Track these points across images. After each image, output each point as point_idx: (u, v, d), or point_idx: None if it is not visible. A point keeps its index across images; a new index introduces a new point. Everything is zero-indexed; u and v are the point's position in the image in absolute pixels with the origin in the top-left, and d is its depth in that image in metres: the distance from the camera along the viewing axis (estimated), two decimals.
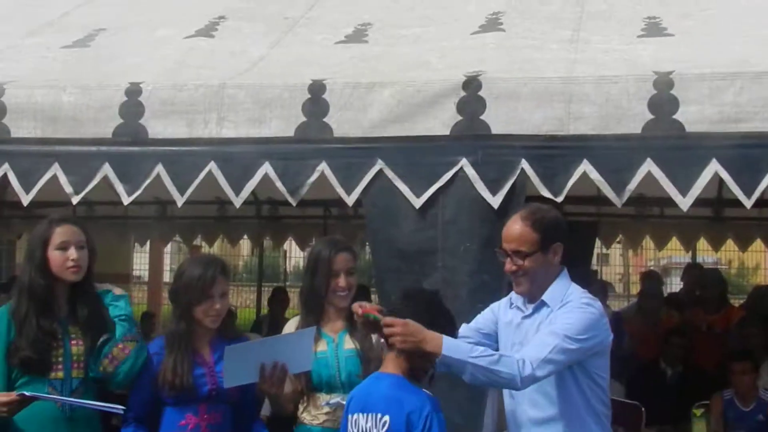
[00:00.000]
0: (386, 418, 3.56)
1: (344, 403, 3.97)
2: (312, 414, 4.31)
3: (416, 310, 3.66)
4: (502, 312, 4.06)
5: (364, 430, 3.62)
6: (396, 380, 3.65)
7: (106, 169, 5.04)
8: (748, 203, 4.45)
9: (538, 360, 3.53)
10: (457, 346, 3.55)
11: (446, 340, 3.51)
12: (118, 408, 3.99)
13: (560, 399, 3.76)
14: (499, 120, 4.74)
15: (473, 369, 3.49)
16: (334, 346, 4.34)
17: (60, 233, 4.19)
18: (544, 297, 3.84)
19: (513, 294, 3.99)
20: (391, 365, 3.70)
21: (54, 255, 4.16)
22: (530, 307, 3.89)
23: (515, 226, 3.81)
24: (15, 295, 4.21)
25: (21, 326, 4.10)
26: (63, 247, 4.17)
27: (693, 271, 9.69)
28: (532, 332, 3.81)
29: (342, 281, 4.34)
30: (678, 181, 4.51)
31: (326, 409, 4.26)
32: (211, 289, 4.17)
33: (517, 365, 3.50)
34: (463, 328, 4.07)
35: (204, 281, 4.15)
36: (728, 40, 5.20)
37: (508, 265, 3.82)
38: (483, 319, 4.09)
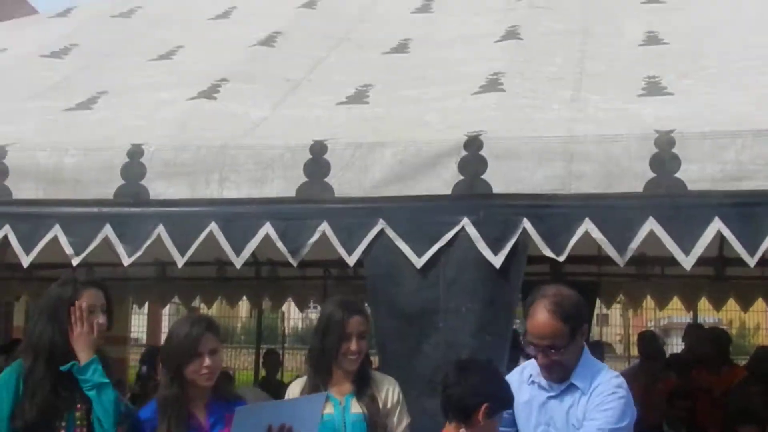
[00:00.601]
0: None
1: None
2: None
3: (477, 383, 3.69)
4: (517, 390, 4.00)
5: None
6: None
7: (107, 230, 5.03)
8: (751, 262, 4.42)
9: None
10: None
11: None
12: None
13: None
14: (500, 179, 4.74)
15: None
16: (341, 409, 4.28)
17: (88, 296, 4.13)
18: (574, 380, 3.83)
19: (531, 370, 3.97)
20: None
21: None
22: (557, 387, 3.87)
23: (543, 321, 3.80)
24: (28, 356, 4.08)
25: (33, 389, 4.00)
26: (91, 310, 4.10)
27: (694, 332, 9.62)
28: (561, 414, 3.83)
29: (354, 345, 4.27)
30: (681, 239, 4.49)
31: None
32: (200, 347, 4.08)
33: None
34: None
35: (191, 339, 4.07)
36: (728, 98, 5.23)
37: (542, 359, 3.81)
38: None
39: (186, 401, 4.13)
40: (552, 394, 3.87)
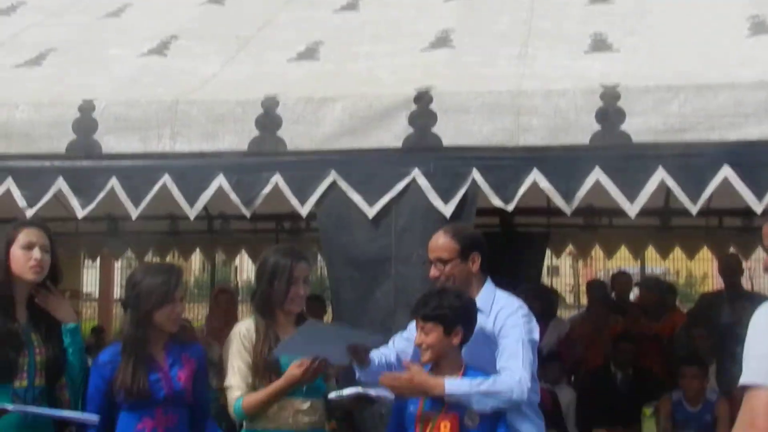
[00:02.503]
0: None
1: None
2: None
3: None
4: None
5: None
6: None
7: (60, 183, 5.05)
8: (693, 209, 4.59)
9: (520, 368, 3.91)
10: (459, 383, 3.86)
11: (447, 382, 3.84)
12: (92, 418, 4.00)
13: None
14: (450, 132, 4.84)
15: (479, 397, 3.83)
16: None
17: (26, 233, 4.16)
18: (477, 303, 4.14)
19: None
20: None
21: (17, 254, 4.13)
22: None
23: (438, 238, 4.26)
24: None
25: None
26: (27, 246, 4.14)
27: (621, 278, 9.87)
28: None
29: (301, 289, 4.41)
30: (625, 189, 4.64)
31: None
32: (175, 293, 4.21)
33: (510, 381, 3.87)
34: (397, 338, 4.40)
35: (168, 286, 4.19)
36: (671, 55, 5.35)
37: (433, 271, 4.21)
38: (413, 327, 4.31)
39: (147, 344, 4.24)
40: None
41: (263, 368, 4.28)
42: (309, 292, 4.56)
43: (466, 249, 4.20)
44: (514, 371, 3.90)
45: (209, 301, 6.95)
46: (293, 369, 4.20)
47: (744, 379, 2.96)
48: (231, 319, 6.86)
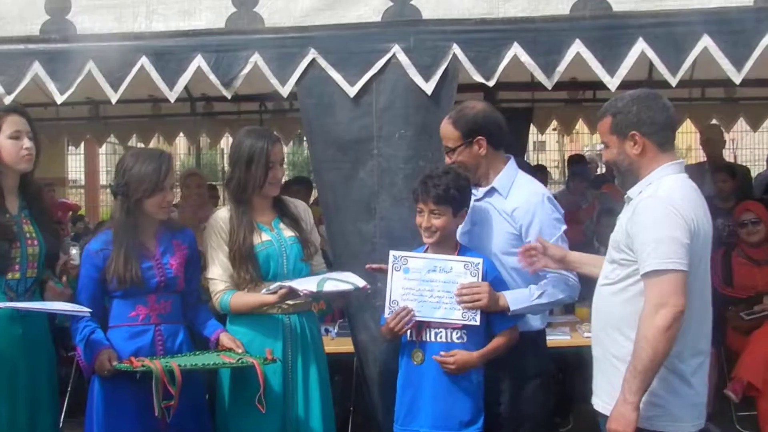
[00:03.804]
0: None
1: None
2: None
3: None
4: None
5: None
6: None
7: (36, 68, 4.98)
8: (673, 81, 4.58)
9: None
10: (521, 299, 4.02)
11: (510, 301, 3.99)
12: (85, 311, 4.02)
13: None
14: (429, 4, 4.78)
15: (539, 308, 4.11)
16: (276, 234, 4.41)
17: (11, 122, 4.12)
18: (494, 184, 4.16)
19: None
20: None
21: (6, 144, 4.09)
22: (481, 191, 4.19)
23: (443, 125, 4.21)
24: None
25: None
26: (16, 136, 4.11)
27: None
28: (485, 214, 4.17)
29: (279, 172, 4.40)
30: (606, 61, 4.62)
31: None
32: (166, 181, 4.19)
33: (566, 286, 4.08)
34: None
35: (159, 174, 4.15)
36: None
37: (446, 159, 4.19)
38: None
39: (139, 232, 4.24)
40: (478, 197, 4.19)
41: (239, 258, 4.30)
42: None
43: (469, 134, 4.12)
44: (566, 275, 4.06)
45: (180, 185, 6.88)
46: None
47: (652, 266, 3.11)
48: (202, 203, 6.84)
